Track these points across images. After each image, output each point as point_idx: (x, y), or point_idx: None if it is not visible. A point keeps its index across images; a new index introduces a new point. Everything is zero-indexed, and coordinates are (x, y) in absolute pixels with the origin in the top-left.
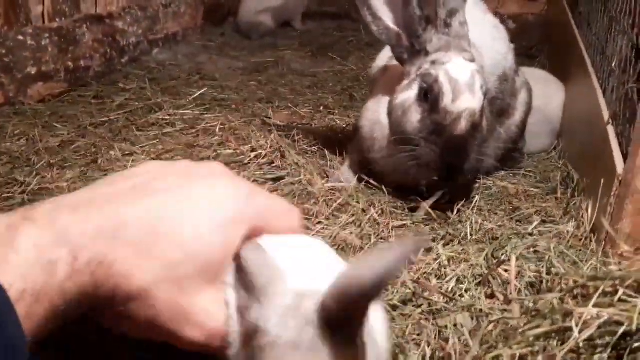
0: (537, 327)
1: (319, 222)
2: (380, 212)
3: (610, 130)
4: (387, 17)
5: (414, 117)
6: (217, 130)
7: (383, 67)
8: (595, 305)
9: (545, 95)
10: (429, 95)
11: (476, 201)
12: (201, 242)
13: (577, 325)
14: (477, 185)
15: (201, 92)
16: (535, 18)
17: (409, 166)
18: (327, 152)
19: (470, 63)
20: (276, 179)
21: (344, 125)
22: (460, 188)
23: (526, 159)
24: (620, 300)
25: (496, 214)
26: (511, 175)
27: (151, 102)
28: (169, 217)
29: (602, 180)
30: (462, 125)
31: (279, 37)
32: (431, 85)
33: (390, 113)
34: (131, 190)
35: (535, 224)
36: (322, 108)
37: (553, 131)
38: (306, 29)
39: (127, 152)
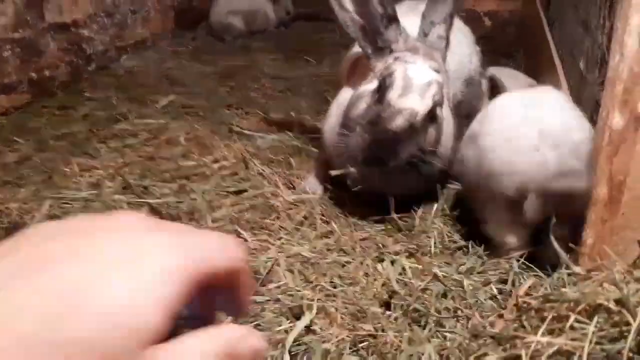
0: (487, 354)
1: (280, 238)
2: (344, 223)
3: None
4: (353, 9)
5: (362, 106)
6: (182, 140)
7: (352, 60)
8: (547, 331)
9: None
10: (381, 87)
11: (442, 211)
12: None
13: (526, 355)
14: (442, 189)
15: (169, 99)
16: (511, 15)
17: (342, 153)
18: (293, 161)
19: (434, 72)
20: (238, 192)
21: (316, 129)
22: (425, 193)
23: None
24: (571, 327)
25: (460, 219)
26: None
27: (116, 112)
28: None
29: None
30: (399, 122)
31: (252, 39)
32: (385, 78)
33: (347, 104)
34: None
35: None
36: (293, 113)
37: None
38: (281, 32)
39: (85, 167)
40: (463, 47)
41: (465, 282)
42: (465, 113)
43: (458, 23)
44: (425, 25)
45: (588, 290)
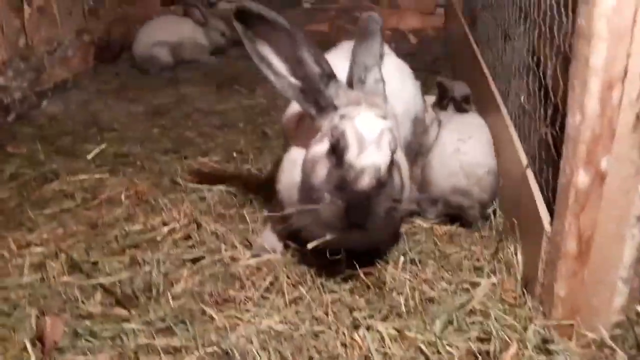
0: None
1: (247, 310)
2: (311, 285)
3: (530, 175)
4: (289, 74)
5: (321, 172)
6: (123, 197)
7: (296, 115)
8: None
9: None
10: (336, 149)
11: (405, 259)
12: None
13: None
14: (402, 232)
15: (100, 148)
16: (435, 32)
17: (313, 222)
18: (246, 213)
19: (381, 120)
20: (195, 260)
21: (261, 175)
22: (387, 240)
23: None
24: None
25: (427, 265)
26: None
27: (45, 169)
28: None
29: (528, 229)
30: (366, 181)
31: (179, 70)
32: (337, 139)
33: (303, 168)
34: None
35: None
36: (234, 154)
37: None
38: (207, 60)
39: (22, 244)
40: (407, 88)
41: (447, 348)
42: (414, 151)
43: (398, 62)
44: (359, 71)
45: None
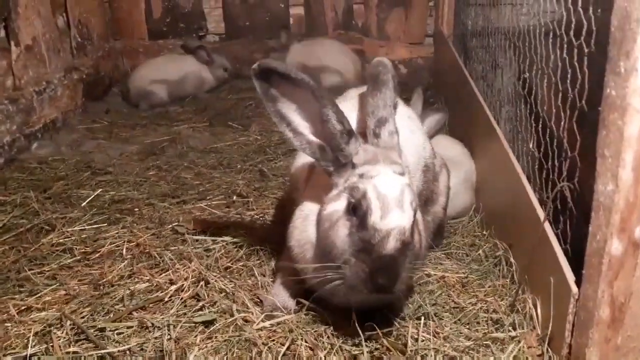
0: None
1: None
2: (329, 349)
3: (548, 228)
4: (308, 131)
5: (342, 232)
6: (124, 251)
7: (307, 166)
8: None
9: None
10: (357, 211)
11: (422, 314)
12: None
13: None
14: (416, 281)
15: (95, 194)
16: (424, 61)
17: (338, 286)
18: (253, 266)
19: (400, 177)
20: (207, 323)
21: (264, 221)
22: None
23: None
24: None
25: (442, 318)
26: (443, 255)
27: (40, 220)
28: None
29: (549, 284)
30: (392, 244)
31: (169, 105)
32: (359, 200)
33: (318, 224)
34: None
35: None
36: (235, 197)
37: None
38: (200, 95)
39: (23, 307)
40: (417, 136)
41: None
42: (424, 199)
43: (406, 110)
44: (373, 124)
45: None
